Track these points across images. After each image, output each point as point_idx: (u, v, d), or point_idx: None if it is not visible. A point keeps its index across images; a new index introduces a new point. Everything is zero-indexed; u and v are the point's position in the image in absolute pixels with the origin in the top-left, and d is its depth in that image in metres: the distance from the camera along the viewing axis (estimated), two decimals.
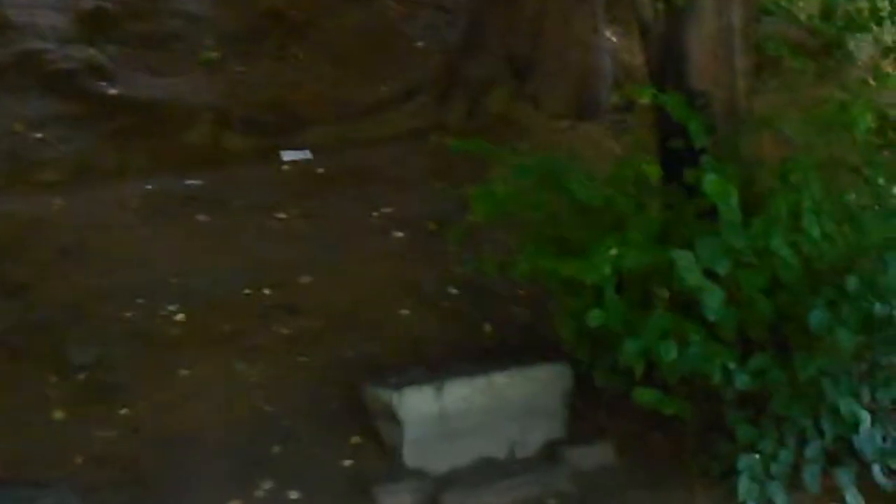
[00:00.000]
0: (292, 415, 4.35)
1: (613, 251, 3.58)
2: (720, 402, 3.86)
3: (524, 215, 4.24)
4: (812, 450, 3.64)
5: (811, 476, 3.63)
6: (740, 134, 4.20)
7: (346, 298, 5.00)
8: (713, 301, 3.56)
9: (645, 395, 3.70)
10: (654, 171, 4.15)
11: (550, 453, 4.10)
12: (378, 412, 4.09)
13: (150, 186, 5.66)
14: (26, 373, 4.43)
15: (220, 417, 4.30)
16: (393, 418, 4.01)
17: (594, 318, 3.68)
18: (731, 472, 3.73)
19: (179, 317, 4.80)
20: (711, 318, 3.59)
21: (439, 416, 4.01)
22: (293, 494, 3.91)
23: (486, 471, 4.00)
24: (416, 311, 4.97)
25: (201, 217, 5.49)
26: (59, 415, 4.25)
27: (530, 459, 4.08)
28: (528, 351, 4.63)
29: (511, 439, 4.11)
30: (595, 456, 4.10)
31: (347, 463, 4.10)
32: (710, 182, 3.64)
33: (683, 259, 3.62)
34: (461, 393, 4.06)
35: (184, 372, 4.50)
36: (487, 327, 4.88)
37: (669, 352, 3.57)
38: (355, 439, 4.24)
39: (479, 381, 4.09)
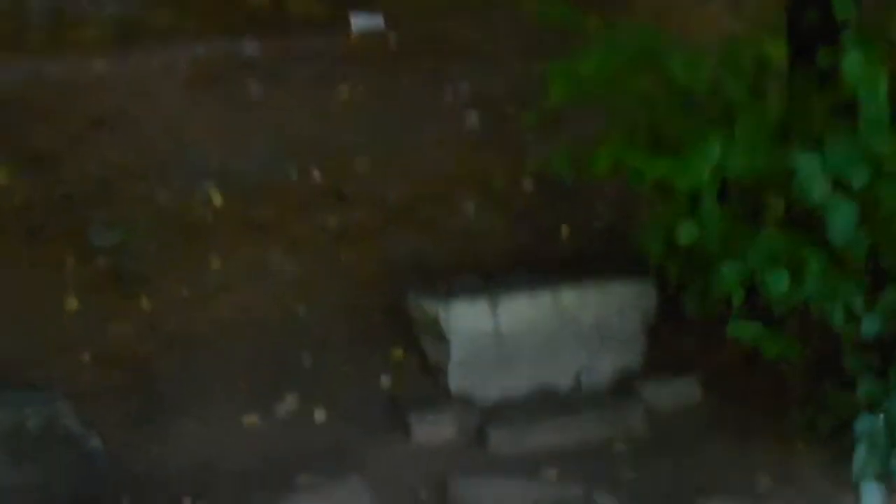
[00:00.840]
0: (329, 320, 3.81)
1: (717, 150, 2.86)
2: (838, 342, 3.16)
3: (613, 100, 3.52)
4: None
5: None
6: (890, 8, 3.35)
7: (405, 188, 4.39)
8: (843, 220, 2.80)
9: (743, 330, 3.01)
10: (779, 52, 3.34)
11: (623, 387, 3.46)
12: (423, 325, 3.50)
13: (201, 51, 5.10)
14: (43, 254, 3.97)
15: (248, 318, 3.79)
16: (439, 334, 3.42)
17: (686, 234, 2.98)
18: (843, 430, 3.05)
19: (216, 200, 4.27)
20: (838, 241, 2.86)
21: (493, 334, 3.40)
22: (318, 415, 3.39)
23: (545, 403, 3.39)
24: (483, 207, 4.33)
25: (255, 88, 4.90)
26: (72, 304, 3.79)
27: (598, 393, 3.45)
28: (609, 262, 3.95)
29: (577, 367, 3.47)
30: (677, 393, 3.44)
31: (385, 381, 3.56)
32: (852, 64, 2.82)
33: (808, 164, 2.85)
34: (522, 309, 3.43)
35: (215, 263, 3.99)
36: (563, 231, 4.22)
37: (780, 282, 2.85)
38: (397, 354, 3.69)
39: (544, 297, 3.45)
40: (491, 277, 3.71)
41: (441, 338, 3.41)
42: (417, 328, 3.51)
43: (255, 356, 3.63)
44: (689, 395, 3.46)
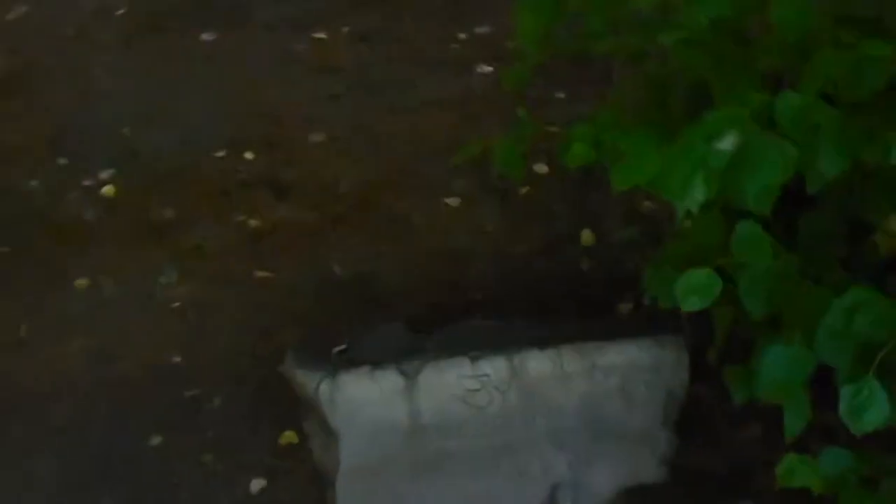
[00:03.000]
0: (210, 378, 2.62)
1: (729, 140, 1.43)
2: None
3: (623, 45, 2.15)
4: None
5: None
6: None
7: (368, 174, 3.13)
8: None
9: (800, 476, 1.61)
10: None
11: None
12: (307, 408, 2.30)
13: None
14: None
15: (96, 369, 2.66)
16: (324, 424, 2.21)
17: (696, 290, 1.60)
18: None
19: (106, 190, 3.11)
20: None
21: (409, 426, 2.14)
22: None
23: None
24: (470, 205, 3.01)
25: (206, 35, 3.73)
26: None
27: None
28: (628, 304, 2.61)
29: (552, 482, 2.18)
30: None
31: (253, 491, 2.37)
32: None
33: None
34: (457, 385, 2.17)
35: (79, 283, 2.87)
36: (584, 239, 2.88)
37: (875, 404, 1.43)
38: (287, 438, 2.49)
39: (498, 364, 2.17)
40: (442, 320, 2.43)
41: (327, 430, 2.18)
42: (303, 410, 2.30)
43: (84, 431, 2.50)
44: None
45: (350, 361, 2.13)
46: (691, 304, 1.56)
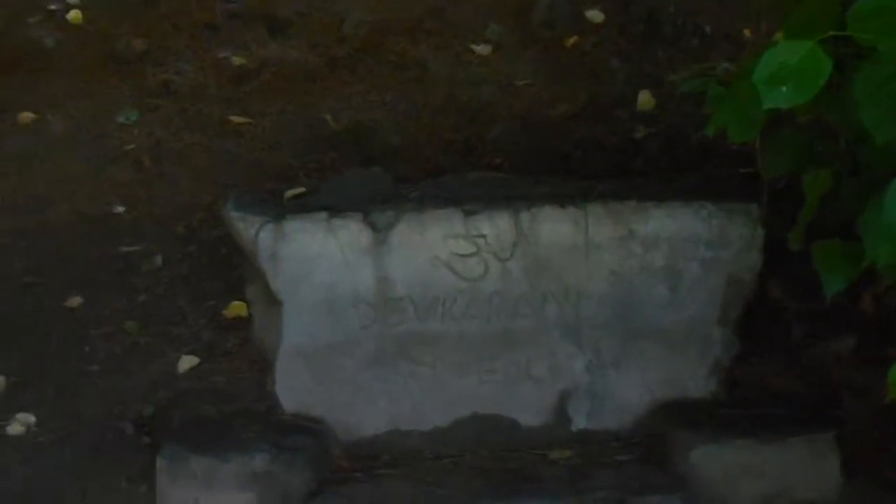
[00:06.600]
0: (154, 234, 2.12)
1: None
2: None
3: None
4: None
5: None
6: None
7: (380, 13, 2.56)
8: None
9: None
10: None
11: (664, 443, 1.62)
12: (253, 266, 1.78)
13: None
14: None
15: (23, 214, 2.18)
16: (266, 286, 1.69)
17: (776, 85, 1.01)
18: None
19: (73, 16, 2.56)
20: None
21: (376, 299, 1.61)
22: (19, 425, 1.77)
23: (478, 466, 1.61)
24: (503, 54, 2.43)
25: None
26: None
27: (603, 448, 1.63)
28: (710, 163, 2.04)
29: (562, 387, 1.65)
30: (788, 471, 1.55)
31: (183, 366, 1.88)
32: None
33: None
34: (443, 246, 1.61)
35: (24, 117, 2.33)
36: (631, 111, 2.28)
37: None
38: (234, 310, 1.98)
39: (500, 221, 1.62)
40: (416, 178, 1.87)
41: (270, 294, 1.67)
42: (247, 271, 1.78)
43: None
44: (816, 476, 1.56)
45: (304, 206, 1.61)
46: (777, 98, 0.99)
